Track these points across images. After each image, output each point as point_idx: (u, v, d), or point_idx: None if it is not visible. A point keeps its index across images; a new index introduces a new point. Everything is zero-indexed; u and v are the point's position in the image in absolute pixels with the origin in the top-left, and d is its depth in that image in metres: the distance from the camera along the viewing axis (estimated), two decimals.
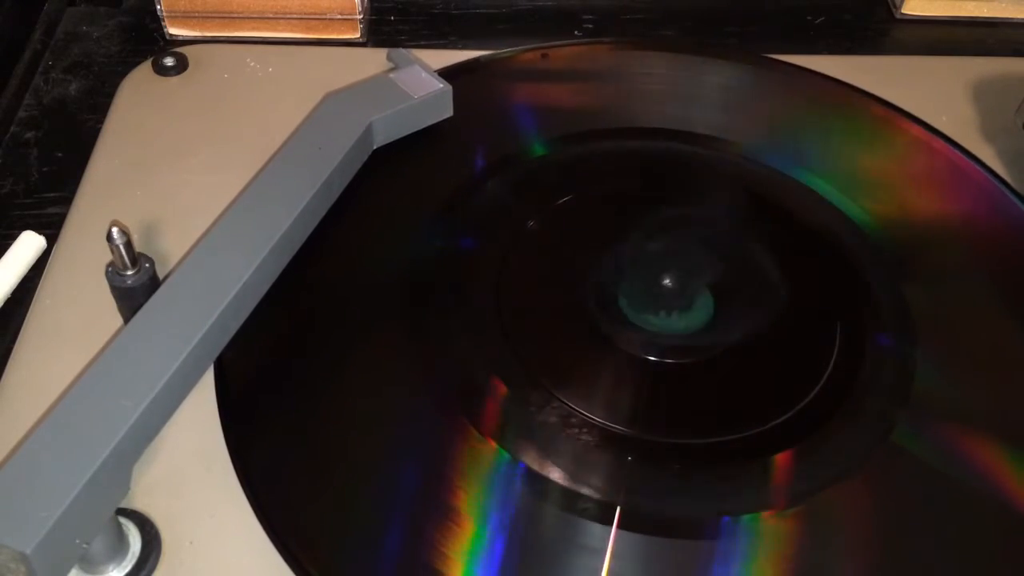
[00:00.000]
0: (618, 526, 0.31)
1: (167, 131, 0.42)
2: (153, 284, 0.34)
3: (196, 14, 0.48)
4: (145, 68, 0.45)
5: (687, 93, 0.45)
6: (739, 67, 0.46)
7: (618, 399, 0.34)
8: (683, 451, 0.33)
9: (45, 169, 0.43)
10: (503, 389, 0.34)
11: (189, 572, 0.30)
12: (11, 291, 0.38)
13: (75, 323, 0.35)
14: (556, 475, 0.32)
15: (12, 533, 0.26)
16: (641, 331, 0.36)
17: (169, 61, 0.45)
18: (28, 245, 0.39)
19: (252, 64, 0.46)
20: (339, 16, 0.48)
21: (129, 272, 0.33)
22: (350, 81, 0.42)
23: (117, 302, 0.35)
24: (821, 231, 0.40)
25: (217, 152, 0.42)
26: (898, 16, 0.52)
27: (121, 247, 0.33)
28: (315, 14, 0.48)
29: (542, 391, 0.34)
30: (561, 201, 0.40)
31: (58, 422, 0.28)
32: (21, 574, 0.26)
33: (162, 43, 0.48)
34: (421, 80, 0.42)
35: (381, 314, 0.36)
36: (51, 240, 0.39)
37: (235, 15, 0.48)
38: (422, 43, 0.49)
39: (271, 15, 0.48)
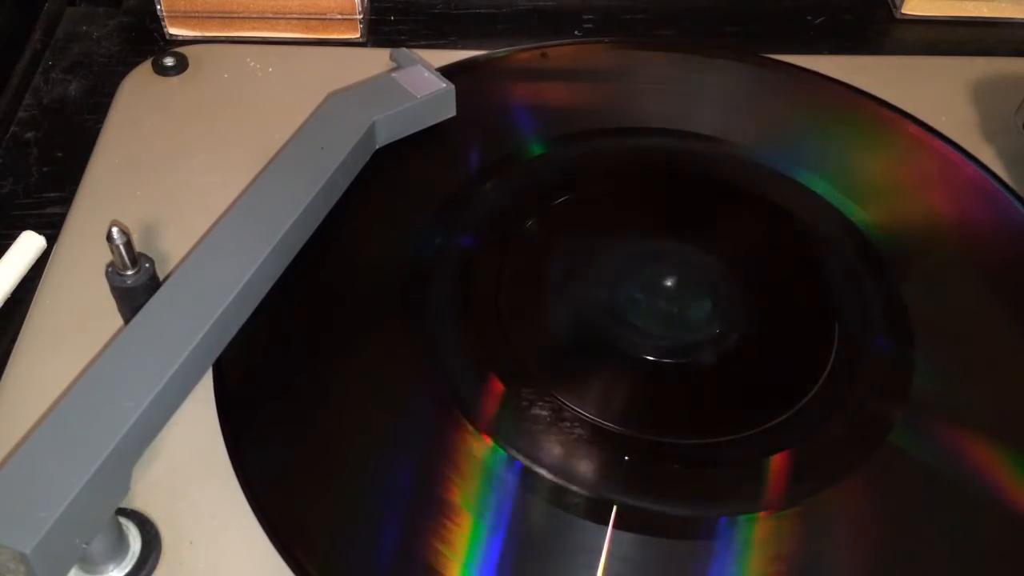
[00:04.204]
0: (614, 525, 0.31)
1: (167, 131, 0.42)
2: (153, 284, 0.34)
3: (196, 14, 0.48)
4: (145, 68, 0.45)
5: (687, 93, 0.45)
6: (739, 67, 0.46)
7: (616, 398, 0.34)
8: (681, 451, 0.33)
9: (45, 169, 0.43)
10: (501, 387, 0.34)
11: (189, 572, 0.30)
12: (11, 291, 0.38)
13: (75, 323, 0.35)
14: (553, 474, 0.32)
15: (12, 533, 0.26)
16: (639, 331, 0.36)
17: (169, 61, 0.45)
18: (28, 245, 0.39)
19: (252, 64, 0.46)
20: (339, 16, 0.48)
21: (129, 272, 0.33)
22: (350, 81, 0.42)
23: (117, 302, 0.35)
24: (820, 231, 0.40)
25: (217, 152, 0.42)
26: (898, 16, 0.52)
27: (121, 247, 0.33)
28: (315, 14, 0.48)
29: (540, 390, 0.34)
30: (561, 200, 0.40)
31: (58, 422, 0.29)
32: (21, 574, 0.26)
33: (162, 43, 0.48)
34: (424, 79, 0.42)
35: (380, 313, 0.36)
36: (51, 240, 0.39)
37: (235, 15, 0.48)
38: (422, 43, 0.49)
39: (271, 15, 0.48)
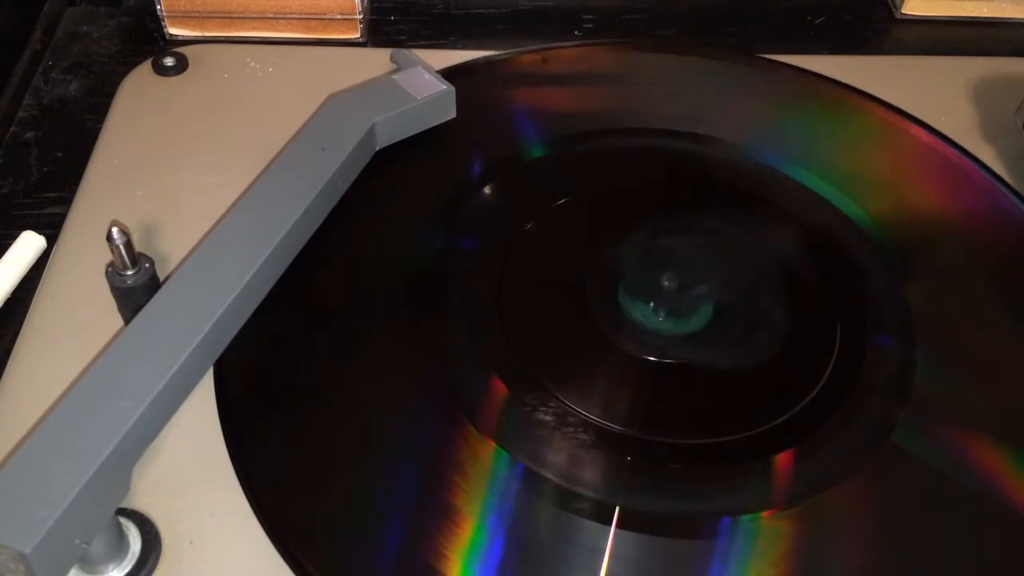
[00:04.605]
0: (617, 526, 0.31)
1: (167, 131, 0.42)
2: (153, 284, 0.34)
3: (196, 14, 0.48)
4: (145, 68, 0.45)
5: (687, 93, 0.45)
6: (739, 67, 0.46)
7: (617, 399, 0.34)
8: (683, 451, 0.33)
9: (45, 169, 0.43)
10: (503, 389, 0.34)
11: (189, 572, 0.30)
12: (11, 291, 0.38)
13: (75, 323, 0.35)
14: (555, 475, 0.32)
15: (12, 533, 0.26)
16: (641, 331, 0.36)
17: (169, 61, 0.45)
18: (28, 245, 0.39)
19: (252, 64, 0.46)
20: (339, 16, 0.48)
21: (129, 272, 0.33)
22: (350, 81, 0.42)
23: (117, 302, 0.35)
24: (821, 231, 0.40)
25: (217, 152, 0.42)
26: (898, 16, 0.52)
27: (121, 247, 0.33)
28: (315, 14, 0.48)
29: (542, 391, 0.34)
30: (561, 201, 0.40)
31: (58, 422, 0.29)
32: (21, 574, 0.26)
33: (162, 43, 0.48)
34: (424, 81, 0.42)
35: (382, 314, 0.36)
36: (51, 240, 0.39)
37: (235, 15, 0.48)
38: (422, 43, 0.49)
39: (271, 15, 0.48)
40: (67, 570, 0.28)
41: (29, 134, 0.44)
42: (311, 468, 0.32)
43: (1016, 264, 0.39)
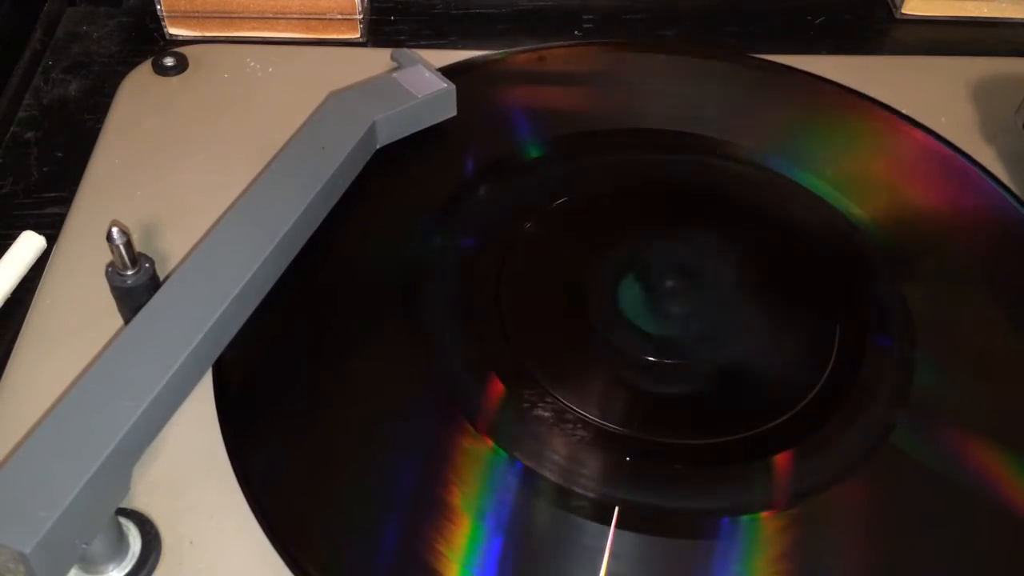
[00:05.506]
0: (617, 526, 0.31)
1: (167, 131, 0.42)
2: (153, 284, 0.34)
3: (196, 14, 0.48)
4: (145, 68, 0.45)
5: (686, 94, 0.45)
6: (738, 68, 0.46)
7: (616, 398, 0.34)
8: (682, 451, 0.33)
9: (45, 169, 0.43)
10: (501, 388, 0.34)
11: (189, 572, 0.30)
12: (11, 291, 0.38)
13: (75, 323, 0.35)
14: (554, 474, 0.32)
15: (12, 533, 0.26)
16: (640, 331, 0.36)
17: (169, 61, 0.45)
18: (28, 245, 0.39)
19: (252, 64, 0.46)
20: (339, 16, 0.48)
21: (129, 272, 0.33)
22: (350, 81, 0.42)
23: (117, 302, 0.35)
24: (821, 232, 0.40)
25: (216, 152, 0.42)
26: (898, 16, 0.52)
27: (121, 247, 0.33)
28: (315, 14, 0.48)
29: (540, 390, 0.34)
30: (561, 201, 0.40)
31: (58, 422, 0.29)
32: (21, 574, 0.26)
33: (162, 43, 0.48)
34: (425, 79, 0.42)
35: (380, 314, 0.36)
36: (51, 240, 0.39)
37: (235, 15, 0.48)
38: (422, 43, 0.49)
39: (271, 15, 0.48)
40: (67, 570, 0.28)
41: (29, 134, 0.44)
42: (310, 468, 0.32)
43: (1015, 265, 0.39)
